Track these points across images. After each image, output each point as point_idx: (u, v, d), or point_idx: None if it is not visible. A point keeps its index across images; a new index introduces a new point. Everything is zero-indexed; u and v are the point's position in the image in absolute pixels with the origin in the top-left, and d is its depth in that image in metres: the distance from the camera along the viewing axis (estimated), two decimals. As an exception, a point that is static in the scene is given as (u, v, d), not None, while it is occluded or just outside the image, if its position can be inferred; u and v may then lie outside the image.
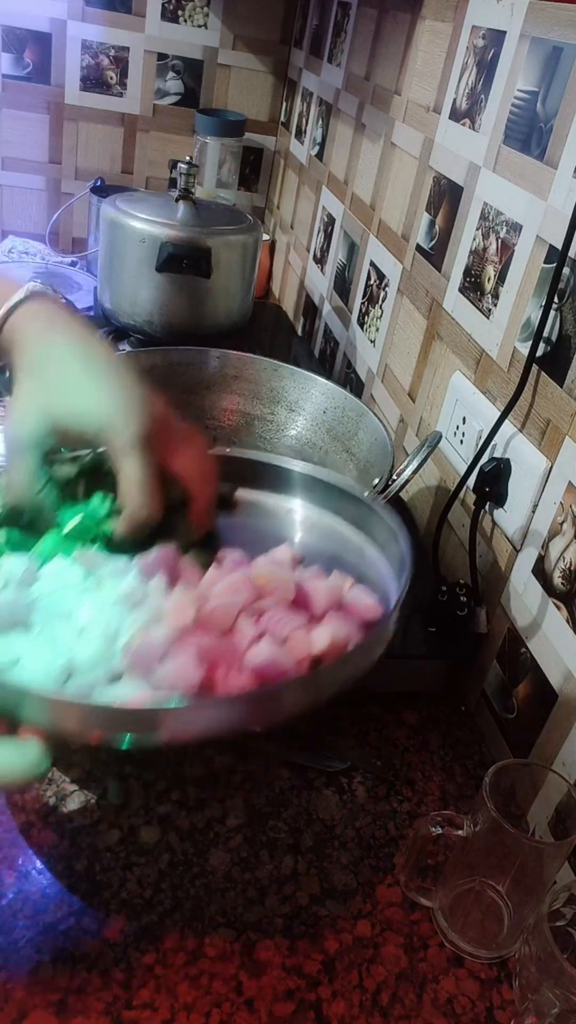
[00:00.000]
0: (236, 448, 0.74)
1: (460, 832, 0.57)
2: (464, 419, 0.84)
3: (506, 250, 0.78)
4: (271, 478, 0.67)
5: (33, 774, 0.43)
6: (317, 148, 1.47)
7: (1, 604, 0.50)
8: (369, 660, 0.50)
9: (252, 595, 0.53)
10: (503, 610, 0.77)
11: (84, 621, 0.49)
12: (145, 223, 1.07)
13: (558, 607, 0.68)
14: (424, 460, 0.71)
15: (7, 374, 0.59)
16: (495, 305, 0.80)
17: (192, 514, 0.58)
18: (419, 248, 0.99)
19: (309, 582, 0.55)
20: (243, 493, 0.67)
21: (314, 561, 0.59)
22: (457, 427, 0.86)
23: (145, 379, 0.59)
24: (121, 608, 0.51)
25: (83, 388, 0.55)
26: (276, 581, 0.54)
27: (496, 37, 0.81)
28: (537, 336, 0.70)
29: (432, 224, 0.96)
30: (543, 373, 0.71)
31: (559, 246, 0.69)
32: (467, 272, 0.86)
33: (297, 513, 0.66)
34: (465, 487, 0.81)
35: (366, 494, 0.64)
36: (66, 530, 0.56)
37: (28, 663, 0.47)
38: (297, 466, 0.67)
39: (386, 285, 1.10)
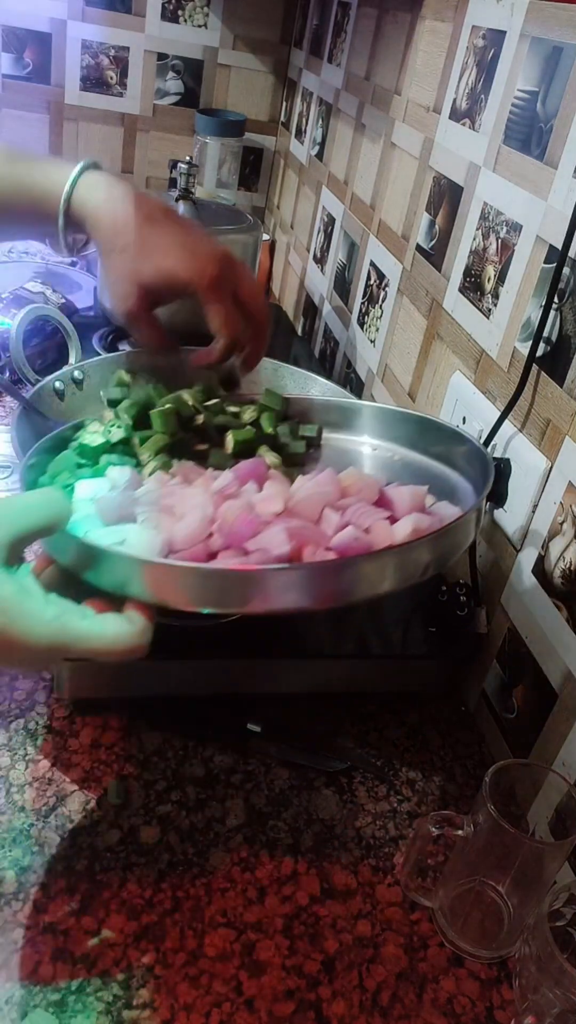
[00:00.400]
0: (303, 394, 0.80)
1: (460, 832, 0.57)
2: (464, 419, 0.84)
3: (506, 250, 0.78)
4: (343, 418, 0.70)
5: (137, 647, 0.45)
6: (317, 148, 1.47)
7: (109, 500, 0.54)
8: (452, 547, 0.51)
9: (337, 493, 0.55)
10: (503, 610, 0.77)
11: (182, 510, 0.53)
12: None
13: (558, 607, 0.68)
14: None
15: (87, 245, 0.70)
16: (495, 305, 0.80)
17: (254, 330, 0.71)
18: (419, 248, 0.99)
19: (392, 488, 0.58)
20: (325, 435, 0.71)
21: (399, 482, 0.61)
22: (457, 427, 0.86)
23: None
24: (217, 499, 0.54)
25: (160, 248, 0.64)
26: (361, 483, 0.56)
27: (496, 37, 0.81)
28: (537, 336, 0.70)
29: (432, 224, 0.96)
30: (543, 373, 0.71)
31: (559, 246, 0.69)
32: (467, 272, 0.86)
33: (370, 448, 0.69)
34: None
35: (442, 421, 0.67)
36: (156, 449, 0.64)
37: (133, 542, 0.49)
38: (367, 404, 0.71)
39: (386, 285, 1.10)
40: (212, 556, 0.50)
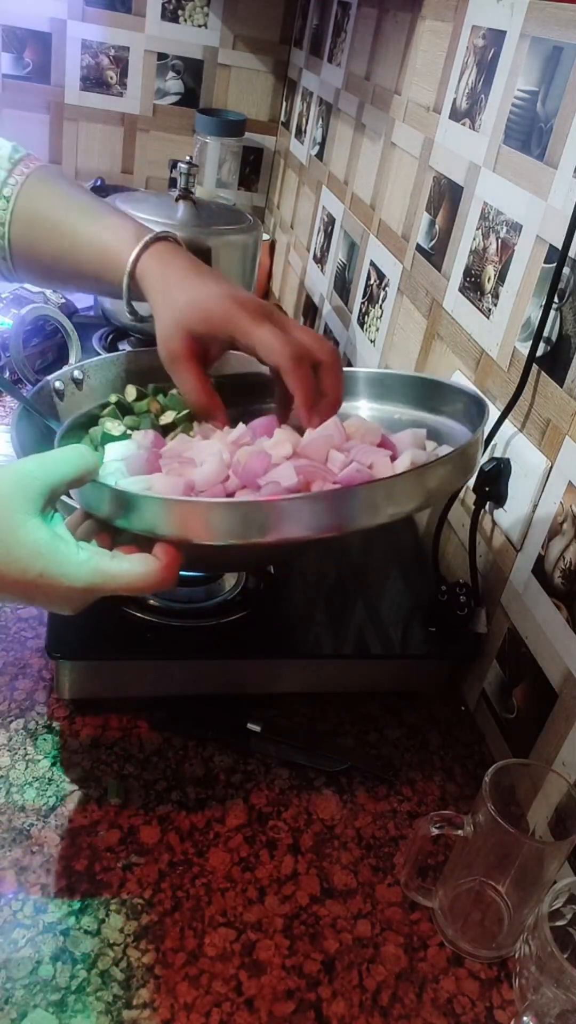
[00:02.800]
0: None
1: (460, 832, 0.57)
2: (464, 419, 0.84)
3: (506, 250, 0.78)
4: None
5: (166, 579, 0.49)
6: (317, 148, 1.47)
7: (138, 457, 0.60)
8: (453, 475, 0.55)
9: (342, 437, 0.59)
10: (503, 610, 0.77)
11: (202, 459, 0.58)
12: (145, 223, 1.07)
13: (558, 607, 0.68)
14: None
15: (139, 315, 0.73)
16: (495, 305, 0.80)
17: (322, 372, 0.65)
18: (419, 248, 0.99)
19: (393, 434, 0.62)
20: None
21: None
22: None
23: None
24: (232, 447, 0.59)
25: (201, 295, 0.65)
26: (364, 428, 0.61)
27: (496, 37, 0.81)
28: (537, 336, 0.70)
29: (432, 224, 0.95)
30: (543, 373, 0.71)
31: (559, 246, 0.69)
32: (467, 272, 0.86)
33: (367, 411, 0.73)
34: (465, 487, 0.81)
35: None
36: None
37: (158, 486, 0.55)
38: (361, 370, 0.74)
39: (386, 285, 1.10)
40: (230, 495, 0.55)
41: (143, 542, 0.51)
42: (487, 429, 0.67)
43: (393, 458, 0.58)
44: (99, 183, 1.57)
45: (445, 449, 0.61)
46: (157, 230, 0.72)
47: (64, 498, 0.53)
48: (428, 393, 0.70)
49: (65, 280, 0.81)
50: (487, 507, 0.79)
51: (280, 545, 0.51)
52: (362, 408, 0.74)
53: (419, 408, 0.71)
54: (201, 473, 0.56)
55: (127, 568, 0.49)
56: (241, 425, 0.62)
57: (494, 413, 0.76)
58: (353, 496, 0.50)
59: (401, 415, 0.72)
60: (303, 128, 1.57)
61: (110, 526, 0.52)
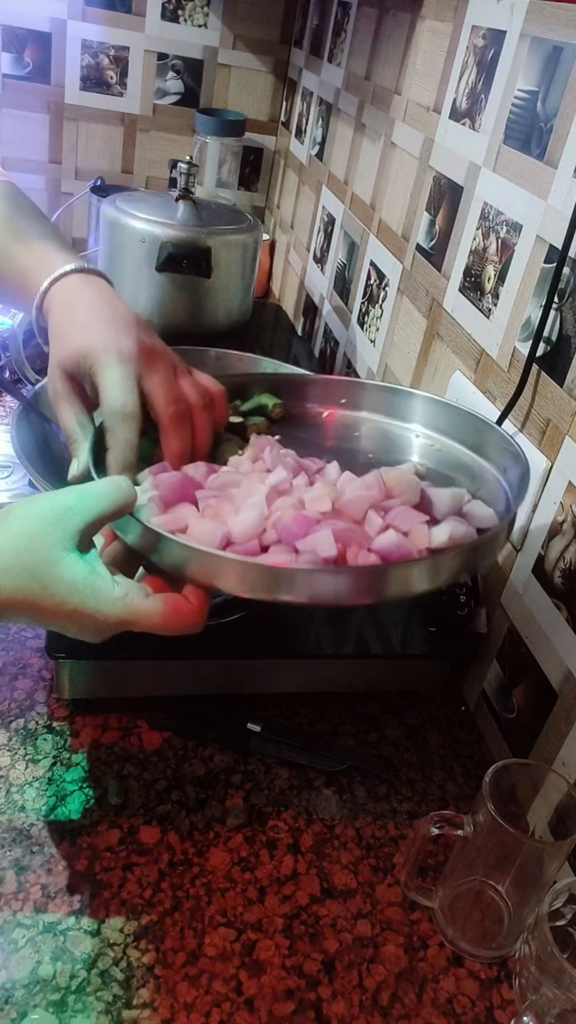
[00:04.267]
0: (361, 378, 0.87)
1: (460, 832, 0.57)
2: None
3: (506, 250, 0.78)
4: (392, 404, 0.74)
5: (194, 624, 0.51)
6: (317, 148, 1.47)
7: (170, 483, 0.58)
8: (484, 557, 0.56)
9: (382, 494, 0.59)
10: (503, 610, 0.77)
11: (241, 502, 0.57)
12: (145, 223, 1.07)
13: (558, 607, 0.68)
14: None
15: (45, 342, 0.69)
16: (495, 305, 0.80)
17: (160, 431, 0.63)
18: (419, 248, 0.99)
19: (432, 489, 0.61)
20: (368, 418, 0.75)
21: (435, 478, 0.65)
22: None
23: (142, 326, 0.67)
24: (271, 494, 0.58)
25: (81, 333, 0.63)
26: (404, 484, 0.60)
27: (496, 37, 0.81)
28: (537, 336, 0.70)
29: (432, 224, 0.95)
30: (543, 373, 0.71)
31: (559, 246, 0.69)
32: (467, 272, 0.86)
33: (418, 437, 0.72)
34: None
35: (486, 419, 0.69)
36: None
37: (195, 531, 0.54)
38: (421, 392, 0.74)
39: (386, 285, 1.10)
40: (264, 549, 0.55)
41: (169, 575, 0.52)
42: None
43: (431, 521, 0.58)
44: (99, 183, 1.57)
45: (480, 508, 0.61)
46: (81, 264, 0.70)
47: None
48: (473, 431, 0.69)
49: None
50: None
51: (309, 606, 0.53)
52: (417, 433, 0.73)
53: (458, 441, 0.70)
54: (239, 524, 0.55)
55: (160, 609, 0.50)
56: (281, 470, 0.61)
57: (494, 413, 0.76)
58: (387, 573, 0.52)
59: (440, 447, 0.71)
60: (303, 128, 1.57)
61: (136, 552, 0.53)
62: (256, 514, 0.56)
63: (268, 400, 0.74)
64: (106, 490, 0.51)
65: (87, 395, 0.64)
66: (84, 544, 0.49)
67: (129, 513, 0.52)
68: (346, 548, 0.53)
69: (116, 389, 0.60)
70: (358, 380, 0.79)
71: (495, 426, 0.68)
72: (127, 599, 0.49)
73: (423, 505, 0.60)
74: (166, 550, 0.51)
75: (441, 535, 0.56)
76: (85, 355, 0.62)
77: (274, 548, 0.54)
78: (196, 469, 0.62)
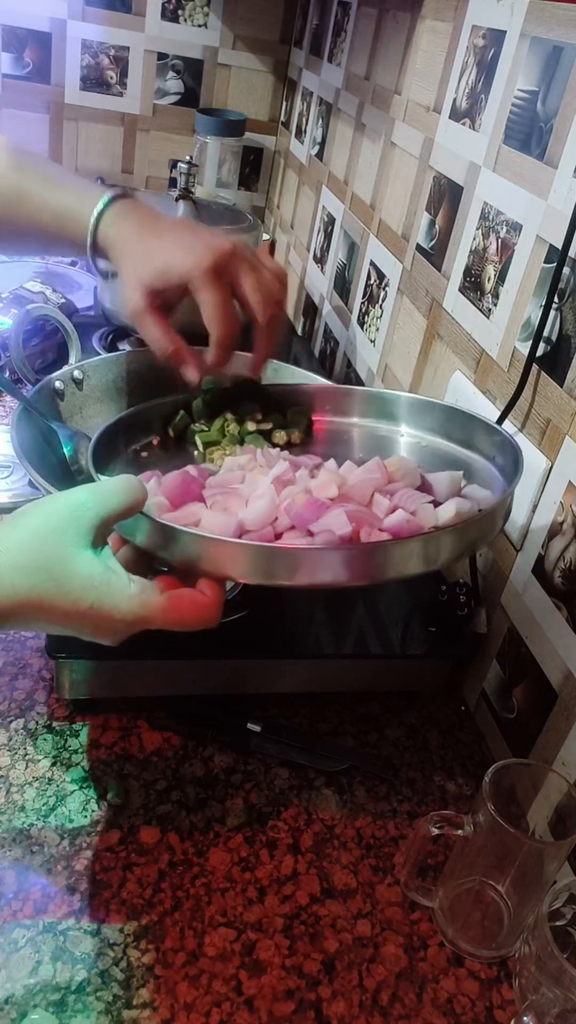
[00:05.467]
0: (347, 385, 0.90)
1: (460, 832, 0.57)
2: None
3: (506, 250, 0.78)
4: (379, 407, 0.75)
5: (210, 618, 0.50)
6: (317, 148, 1.47)
7: (173, 482, 0.60)
8: (488, 530, 0.57)
9: (384, 478, 0.61)
10: (503, 610, 0.77)
11: (248, 494, 0.58)
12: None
13: (558, 607, 0.68)
14: None
15: (110, 276, 0.74)
16: (495, 305, 0.80)
17: (254, 332, 0.71)
18: (419, 248, 0.99)
19: (430, 475, 0.63)
20: (354, 423, 0.77)
21: (428, 472, 0.66)
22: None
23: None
24: (277, 485, 0.59)
25: (160, 249, 0.68)
26: (405, 469, 0.62)
27: (496, 37, 0.81)
28: (537, 336, 0.70)
29: (432, 224, 0.95)
30: (543, 373, 0.71)
31: (559, 246, 0.69)
32: (467, 272, 0.86)
33: (403, 436, 0.74)
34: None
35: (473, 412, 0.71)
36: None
37: (206, 523, 0.55)
38: (403, 394, 0.76)
39: (386, 285, 1.10)
40: (278, 536, 0.55)
41: (180, 574, 0.52)
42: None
43: (434, 502, 0.59)
44: (99, 183, 1.57)
45: (477, 491, 0.62)
46: (114, 192, 0.74)
47: None
48: (459, 425, 0.71)
49: (23, 243, 0.83)
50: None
51: (330, 588, 0.53)
52: (398, 433, 0.74)
53: (445, 437, 0.72)
54: (252, 512, 0.56)
55: (177, 603, 0.49)
56: (282, 462, 0.63)
57: (494, 413, 0.76)
58: (407, 546, 0.52)
59: (427, 443, 0.72)
60: (303, 128, 1.57)
61: (146, 553, 0.53)
62: (268, 502, 0.56)
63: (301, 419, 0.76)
64: (118, 487, 0.51)
65: (163, 312, 0.69)
66: (98, 540, 0.49)
67: (140, 511, 0.52)
68: (359, 529, 0.54)
69: (214, 308, 0.66)
70: (344, 387, 0.81)
71: (481, 417, 0.69)
72: (143, 595, 0.48)
73: (424, 488, 0.62)
74: (182, 545, 0.51)
75: (448, 511, 0.57)
76: (171, 271, 0.67)
77: (288, 534, 0.55)
78: (195, 470, 0.63)
